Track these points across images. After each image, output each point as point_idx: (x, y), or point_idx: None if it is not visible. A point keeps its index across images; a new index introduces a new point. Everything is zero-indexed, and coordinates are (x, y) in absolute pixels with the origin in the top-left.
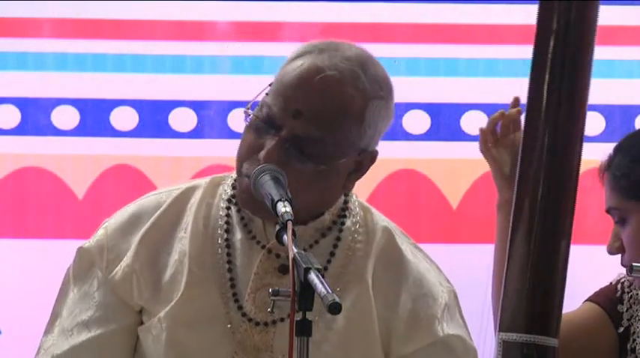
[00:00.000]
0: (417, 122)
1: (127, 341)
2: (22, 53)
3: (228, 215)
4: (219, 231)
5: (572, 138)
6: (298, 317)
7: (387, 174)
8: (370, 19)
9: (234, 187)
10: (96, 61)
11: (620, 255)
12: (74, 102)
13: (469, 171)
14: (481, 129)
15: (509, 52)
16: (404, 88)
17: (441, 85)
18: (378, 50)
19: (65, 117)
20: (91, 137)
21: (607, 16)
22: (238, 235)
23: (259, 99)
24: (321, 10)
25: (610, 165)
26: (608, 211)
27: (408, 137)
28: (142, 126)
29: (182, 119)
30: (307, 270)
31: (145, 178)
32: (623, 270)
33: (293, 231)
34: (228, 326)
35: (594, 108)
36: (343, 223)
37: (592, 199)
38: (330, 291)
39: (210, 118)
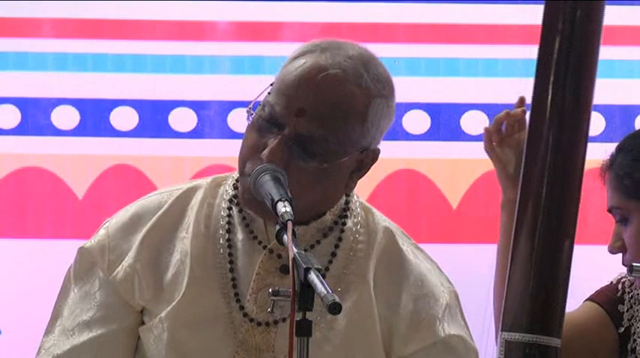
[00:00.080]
0: (417, 122)
1: (128, 341)
2: (22, 53)
3: (229, 215)
4: (220, 231)
5: (576, 138)
6: (298, 317)
7: (387, 174)
8: (370, 19)
9: (235, 187)
10: (96, 61)
11: (620, 256)
12: (74, 102)
13: (469, 171)
14: (486, 129)
15: (509, 52)
16: (404, 88)
17: (441, 84)
18: (378, 50)
19: (65, 117)
20: (91, 137)
21: (607, 16)
22: (240, 235)
23: (261, 99)
24: (321, 10)
25: (612, 165)
26: (610, 211)
27: (408, 137)
28: (142, 126)
29: (182, 119)
30: (307, 270)
31: (145, 178)
32: (624, 270)
33: (293, 231)
34: (230, 325)
35: (594, 108)
36: (344, 223)
37: (593, 199)
38: (330, 291)
39: (210, 118)
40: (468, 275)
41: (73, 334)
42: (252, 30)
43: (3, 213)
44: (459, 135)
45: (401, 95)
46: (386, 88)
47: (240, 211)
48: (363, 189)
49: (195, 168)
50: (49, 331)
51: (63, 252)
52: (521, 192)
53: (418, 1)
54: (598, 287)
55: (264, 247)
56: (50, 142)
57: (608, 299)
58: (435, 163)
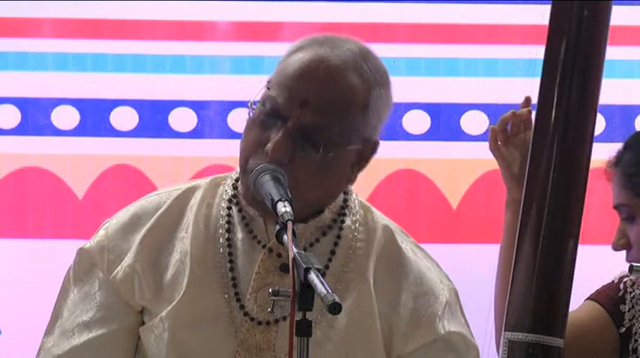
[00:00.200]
0: (417, 122)
1: (128, 342)
2: (22, 53)
3: (229, 215)
4: (220, 231)
5: (582, 138)
6: (298, 317)
7: (387, 174)
8: (370, 19)
9: (234, 187)
10: (96, 61)
11: (621, 255)
12: (74, 102)
13: (469, 171)
14: (492, 128)
15: (509, 52)
16: (404, 88)
17: (441, 84)
18: (378, 50)
19: (65, 117)
20: (91, 137)
21: None
22: (239, 235)
23: (260, 97)
24: (321, 10)
25: (619, 163)
26: (616, 208)
27: (408, 137)
28: (142, 126)
29: (182, 119)
30: (307, 270)
31: (145, 178)
32: (626, 268)
33: (293, 231)
34: (231, 325)
35: None
36: (343, 221)
37: (594, 199)
38: (330, 291)
39: (210, 118)
40: (468, 275)
41: (73, 335)
42: (252, 30)
43: (3, 213)
44: (459, 135)
45: (401, 95)
46: (384, 77)
47: (239, 211)
48: (363, 189)
49: (195, 168)
50: (48, 332)
51: (63, 252)
52: (525, 193)
53: (418, 1)
54: (597, 288)
55: (264, 246)
56: (50, 142)
57: (610, 298)
58: (435, 163)
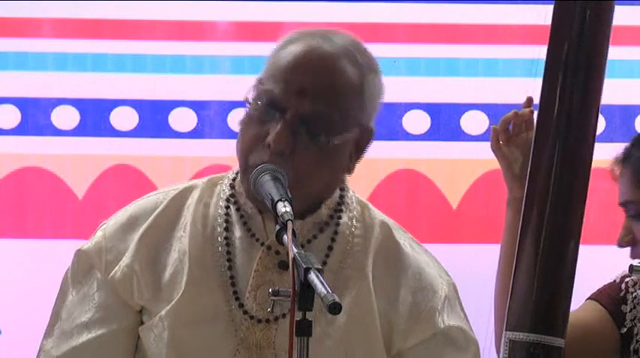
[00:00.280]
0: (417, 122)
1: (127, 341)
2: (22, 53)
3: (227, 214)
4: (218, 230)
5: (584, 138)
6: (298, 316)
7: (387, 174)
8: (370, 19)
9: (232, 187)
10: (96, 61)
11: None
12: (74, 102)
13: (469, 171)
14: (493, 128)
15: (510, 52)
16: (404, 88)
17: (441, 84)
18: (378, 50)
19: (65, 117)
20: (91, 137)
21: None
22: (237, 233)
23: (253, 95)
24: (321, 10)
25: (626, 159)
26: (623, 205)
27: (408, 137)
28: (142, 126)
29: (182, 119)
30: (307, 270)
31: (145, 178)
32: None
33: (293, 231)
34: (231, 323)
35: None
36: (340, 217)
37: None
38: (330, 291)
39: (210, 118)
40: (468, 275)
41: (72, 336)
42: (252, 30)
43: (3, 213)
44: (459, 135)
45: (401, 95)
46: (375, 65)
47: (237, 209)
48: (363, 189)
49: (195, 168)
50: (47, 334)
51: (63, 252)
52: (527, 193)
53: (418, 1)
54: (597, 288)
55: (262, 244)
56: (50, 142)
57: (611, 299)
58: (435, 163)
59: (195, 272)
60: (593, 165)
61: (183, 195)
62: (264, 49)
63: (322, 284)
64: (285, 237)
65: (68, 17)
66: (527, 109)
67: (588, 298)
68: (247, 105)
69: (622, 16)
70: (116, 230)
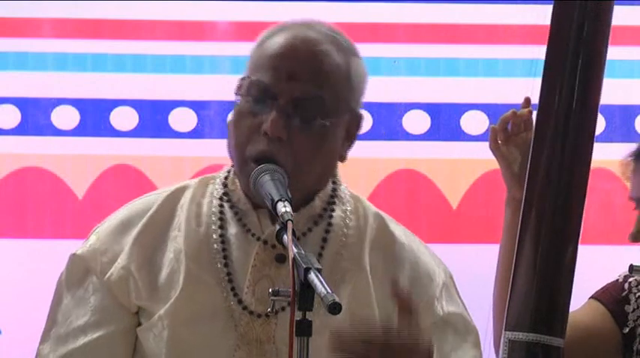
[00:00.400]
0: (417, 122)
1: (124, 343)
2: (22, 53)
3: (221, 211)
4: (212, 227)
5: (583, 139)
6: (298, 316)
7: (387, 174)
8: (370, 19)
9: (225, 185)
10: (96, 61)
11: (620, 254)
12: (74, 102)
13: (469, 171)
14: (492, 127)
15: (510, 52)
16: (404, 88)
17: (441, 84)
18: (378, 50)
19: (65, 117)
20: (91, 137)
21: None
22: (233, 230)
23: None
24: (321, 10)
25: None
26: (636, 199)
27: (408, 137)
28: (142, 126)
29: (182, 119)
30: (307, 270)
31: (145, 178)
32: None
33: (293, 231)
34: (230, 319)
35: None
36: (333, 210)
37: (593, 199)
38: (330, 291)
39: (210, 118)
40: (468, 275)
41: (69, 339)
42: (252, 30)
43: (3, 213)
44: (459, 135)
45: (401, 95)
46: (357, 50)
47: (231, 207)
48: (363, 189)
49: (195, 168)
50: (44, 339)
51: (63, 252)
52: (526, 193)
53: (418, 1)
54: (597, 288)
55: (258, 239)
56: (50, 142)
57: (613, 298)
58: (435, 163)
59: (192, 270)
60: (593, 165)
61: (176, 195)
62: None
63: (322, 284)
64: (285, 237)
65: (68, 17)
66: (526, 109)
67: (590, 297)
68: (236, 101)
69: (622, 16)
70: (110, 232)
